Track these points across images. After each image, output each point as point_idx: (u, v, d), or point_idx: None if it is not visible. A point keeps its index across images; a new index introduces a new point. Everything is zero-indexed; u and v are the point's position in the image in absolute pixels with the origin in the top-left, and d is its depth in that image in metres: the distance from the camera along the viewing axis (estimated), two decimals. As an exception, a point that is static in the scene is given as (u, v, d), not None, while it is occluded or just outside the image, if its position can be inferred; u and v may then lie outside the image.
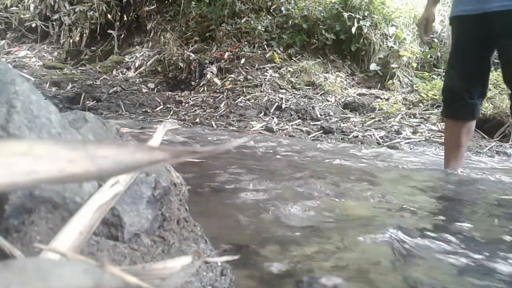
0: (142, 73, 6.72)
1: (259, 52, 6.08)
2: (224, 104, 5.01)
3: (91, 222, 0.50)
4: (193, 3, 7.25)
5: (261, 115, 4.68)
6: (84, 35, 8.09)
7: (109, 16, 7.89)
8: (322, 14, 6.18)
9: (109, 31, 7.78)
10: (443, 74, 5.49)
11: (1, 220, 0.49)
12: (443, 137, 3.61)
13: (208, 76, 5.89)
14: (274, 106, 4.79)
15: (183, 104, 5.25)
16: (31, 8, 8.16)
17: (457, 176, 2.17)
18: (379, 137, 3.76)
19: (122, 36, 7.89)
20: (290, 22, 6.25)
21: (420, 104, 4.78)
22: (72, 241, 0.46)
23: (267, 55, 5.98)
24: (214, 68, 5.99)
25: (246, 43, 6.29)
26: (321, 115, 4.56)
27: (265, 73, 5.68)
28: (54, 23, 8.18)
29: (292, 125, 4.26)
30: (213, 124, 4.28)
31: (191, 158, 0.37)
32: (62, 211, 0.52)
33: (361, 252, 0.97)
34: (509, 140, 3.71)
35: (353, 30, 5.78)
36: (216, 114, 4.72)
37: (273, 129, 4.03)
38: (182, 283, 0.56)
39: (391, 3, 6.13)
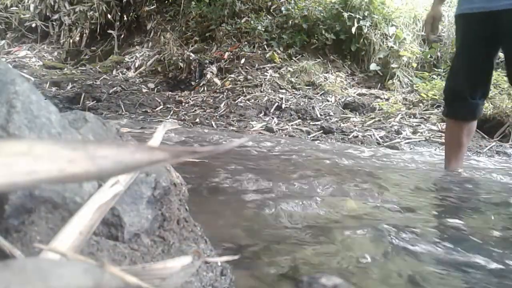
0: (142, 73, 6.72)
1: (259, 52, 6.08)
2: (224, 104, 5.01)
3: (91, 222, 0.50)
4: (193, 3, 7.26)
5: (261, 115, 4.69)
6: (84, 35, 8.10)
7: (109, 16, 7.89)
8: (322, 14, 6.18)
9: (109, 31, 7.78)
10: (443, 74, 5.50)
11: (1, 220, 0.49)
12: (443, 137, 3.61)
13: (208, 76, 5.89)
14: (274, 106, 4.79)
15: (183, 104, 5.25)
16: (31, 8, 8.16)
17: (457, 176, 2.17)
18: (379, 137, 3.76)
19: (122, 36, 7.89)
20: (290, 22, 6.26)
21: (420, 104, 4.78)
22: (72, 241, 0.46)
23: (267, 55, 5.98)
24: (214, 68, 5.99)
25: (246, 43, 6.29)
26: (321, 115, 4.56)
27: (265, 73, 5.68)
28: (54, 23, 8.19)
29: (292, 125, 4.26)
30: (213, 124, 4.28)
31: (191, 158, 0.37)
32: (62, 211, 0.52)
33: (361, 252, 0.97)
34: (509, 140, 3.71)
35: (353, 30, 5.78)
36: (216, 114, 4.73)
37: (273, 129, 4.03)
38: (182, 283, 0.56)
39: (391, 3, 6.13)
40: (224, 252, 0.89)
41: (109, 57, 7.40)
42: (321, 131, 3.96)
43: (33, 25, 8.14)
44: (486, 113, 3.93)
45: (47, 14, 8.12)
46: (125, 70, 6.90)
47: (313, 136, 3.86)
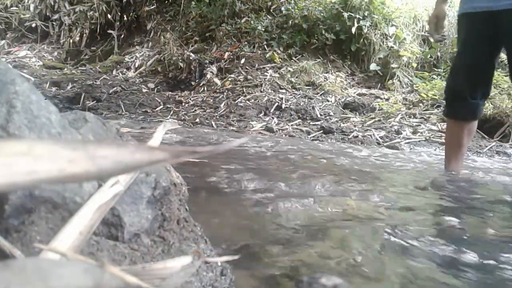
0: (142, 73, 6.72)
1: (259, 52, 6.08)
2: (224, 104, 5.01)
3: (91, 222, 0.50)
4: (193, 3, 7.26)
5: (261, 115, 4.69)
6: (84, 35, 8.10)
7: (109, 16, 7.89)
8: (322, 14, 6.18)
9: (109, 31, 7.78)
10: (443, 74, 5.50)
11: (1, 220, 0.49)
12: (443, 137, 3.62)
13: (208, 76, 5.89)
14: (274, 106, 4.79)
15: (183, 104, 5.25)
16: (31, 8, 8.16)
17: (457, 176, 2.17)
18: (379, 137, 3.76)
19: (122, 36, 7.89)
20: (290, 22, 6.26)
21: (420, 104, 4.78)
22: (72, 241, 0.46)
23: (267, 55, 5.98)
24: (214, 68, 5.99)
25: (246, 43, 6.29)
26: (321, 115, 4.56)
27: (265, 73, 5.68)
28: (54, 23, 8.19)
29: (292, 125, 4.26)
30: (213, 124, 4.27)
31: (191, 158, 0.37)
32: (62, 211, 0.52)
33: (361, 251, 0.97)
34: (509, 140, 3.71)
35: (353, 30, 5.78)
36: (216, 114, 4.72)
37: (273, 129, 4.03)
38: (182, 283, 0.56)
39: (391, 3, 6.13)
40: (224, 252, 0.89)
41: (109, 57, 7.40)
42: (321, 131, 3.96)
43: (33, 25, 8.14)
44: (486, 113, 3.93)
45: (47, 14, 8.12)
46: (125, 70, 6.90)
47: (313, 136, 3.86)
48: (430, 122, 4.24)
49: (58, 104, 4.88)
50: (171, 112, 4.90)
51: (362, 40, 5.86)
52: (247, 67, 5.82)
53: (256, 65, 5.84)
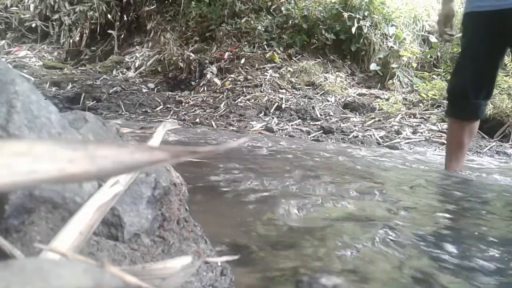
0: (142, 73, 6.72)
1: (259, 52, 6.08)
2: (224, 104, 5.01)
3: (91, 222, 0.50)
4: (193, 3, 7.25)
5: (261, 115, 4.69)
6: (84, 35, 8.10)
7: (109, 16, 7.89)
8: (322, 14, 6.18)
9: (109, 31, 7.78)
10: (443, 74, 5.50)
11: (1, 220, 0.49)
12: (443, 137, 3.62)
13: (208, 76, 5.89)
14: (274, 106, 4.79)
15: (183, 104, 5.25)
16: (31, 8, 8.16)
17: (457, 177, 2.17)
18: (379, 137, 3.76)
19: (122, 36, 7.89)
20: (290, 22, 6.25)
21: (420, 104, 4.78)
22: (72, 241, 0.46)
23: (267, 55, 5.98)
24: (214, 68, 5.99)
25: (246, 43, 6.29)
26: (321, 115, 4.56)
27: (265, 73, 5.68)
28: (54, 23, 8.19)
29: (292, 125, 4.26)
30: (213, 124, 4.27)
31: (191, 158, 0.37)
32: (62, 211, 0.52)
33: (360, 251, 0.97)
34: (509, 140, 3.71)
35: (353, 30, 5.78)
36: (216, 114, 4.72)
37: (273, 129, 4.03)
38: (182, 283, 0.56)
39: (391, 3, 6.13)
40: (224, 252, 0.89)
41: (109, 57, 7.40)
42: (321, 131, 3.97)
43: (33, 25, 8.14)
44: (486, 113, 3.92)
45: (47, 14, 8.12)
46: (125, 70, 6.90)
47: (313, 136, 3.86)
48: (430, 122, 4.24)
49: (58, 104, 4.88)
50: (171, 112, 4.90)
51: (362, 40, 5.86)
52: (247, 67, 5.82)
53: (256, 65, 5.84)
